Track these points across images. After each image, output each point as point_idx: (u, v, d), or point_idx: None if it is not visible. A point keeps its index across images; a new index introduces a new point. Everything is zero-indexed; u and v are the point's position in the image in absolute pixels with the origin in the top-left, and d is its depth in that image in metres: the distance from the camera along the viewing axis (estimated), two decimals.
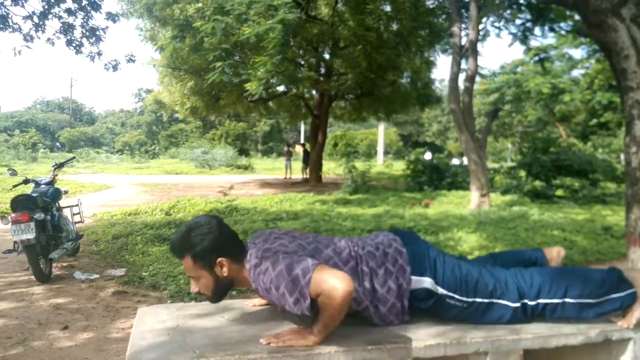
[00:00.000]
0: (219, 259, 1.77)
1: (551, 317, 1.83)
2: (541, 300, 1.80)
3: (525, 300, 1.80)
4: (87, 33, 8.15)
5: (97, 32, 8.21)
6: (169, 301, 4.22)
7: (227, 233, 1.83)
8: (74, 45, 8.15)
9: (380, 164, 31.73)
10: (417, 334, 1.74)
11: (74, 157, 7.85)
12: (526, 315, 1.82)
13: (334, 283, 1.55)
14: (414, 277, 1.79)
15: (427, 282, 1.79)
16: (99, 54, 8.37)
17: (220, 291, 1.85)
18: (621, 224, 6.86)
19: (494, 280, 1.82)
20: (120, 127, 53.82)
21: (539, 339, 1.76)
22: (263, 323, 1.88)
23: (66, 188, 7.10)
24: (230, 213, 8.70)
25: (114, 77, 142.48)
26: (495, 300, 1.80)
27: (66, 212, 5.88)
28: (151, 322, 1.91)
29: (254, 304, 2.11)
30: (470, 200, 10.64)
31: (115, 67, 8.58)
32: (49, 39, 8.04)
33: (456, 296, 1.80)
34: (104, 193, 13.86)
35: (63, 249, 5.17)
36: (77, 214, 6.15)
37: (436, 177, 15.75)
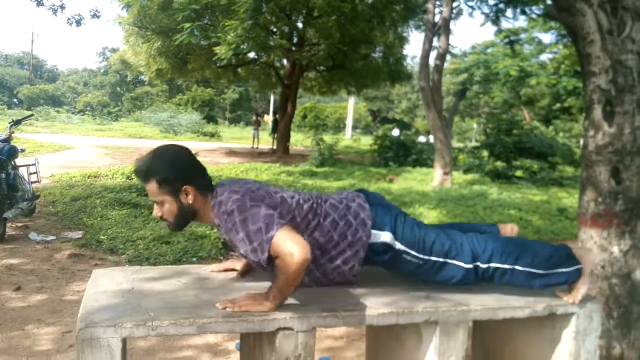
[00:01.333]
0: (185, 186, 1.75)
1: (499, 282, 1.89)
2: (492, 264, 1.86)
3: (478, 263, 1.86)
4: None
5: None
6: (126, 265, 4.17)
7: (195, 163, 1.81)
8: None
9: (348, 138, 31.78)
10: (371, 302, 1.77)
11: (32, 115, 7.53)
12: (477, 278, 1.88)
13: (292, 249, 1.56)
14: (373, 231, 1.83)
15: (386, 236, 1.83)
16: (62, 7, 7.97)
17: (183, 219, 1.81)
18: (576, 206, 7.13)
19: (450, 242, 1.87)
20: (83, 87, 52.00)
21: (488, 311, 1.82)
22: (220, 288, 1.87)
23: (23, 146, 6.85)
24: None
25: (78, 34, 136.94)
26: (449, 261, 1.85)
27: (22, 172, 5.67)
28: (106, 284, 1.88)
29: (211, 269, 2.10)
30: (433, 178, 10.82)
31: (78, 22, 8.22)
32: None
33: (412, 252, 1.84)
34: (63, 154, 13.45)
35: (18, 209, 5.01)
36: (34, 173, 5.95)
37: (402, 154, 15.94)
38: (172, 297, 1.77)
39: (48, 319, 3.08)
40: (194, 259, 4.49)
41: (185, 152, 1.81)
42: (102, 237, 4.90)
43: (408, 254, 1.85)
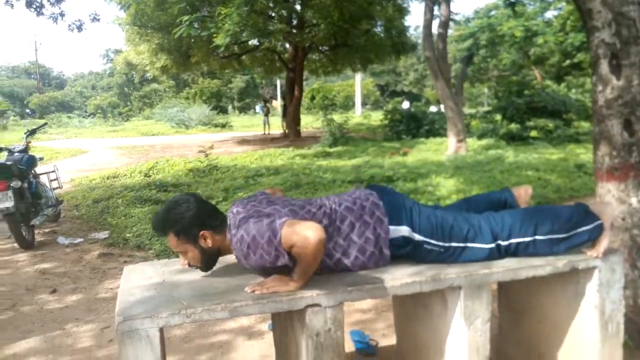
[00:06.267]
0: (201, 232, 1.84)
1: (525, 254, 1.93)
2: (513, 240, 1.89)
3: (499, 242, 1.89)
4: None
5: None
6: (155, 260, 4.28)
7: (204, 207, 1.89)
8: (34, 6, 7.79)
9: (358, 115, 31.60)
10: (395, 274, 1.82)
11: (45, 123, 7.68)
12: (500, 255, 1.91)
13: (304, 233, 1.61)
14: (391, 227, 1.87)
15: (404, 230, 1.87)
16: (62, 14, 8.04)
17: (209, 261, 1.91)
18: None
19: (467, 225, 1.90)
20: (91, 90, 52.41)
21: (510, 272, 1.86)
22: (247, 274, 1.93)
23: (41, 155, 6.99)
24: (211, 172, 8.70)
25: (80, 38, 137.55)
26: (469, 244, 1.89)
27: (43, 179, 5.81)
28: (137, 279, 1.95)
29: None
30: (447, 147, 10.77)
31: (79, 28, 8.29)
32: (7, 1, 7.69)
33: (432, 241, 1.88)
34: (80, 158, 13.66)
35: (44, 215, 5.15)
36: (55, 179, 6.09)
37: (414, 126, 15.83)
38: (202, 285, 1.84)
39: (86, 317, 3.20)
40: None
41: (193, 199, 1.89)
42: (128, 234, 5.02)
43: (429, 243, 1.88)
